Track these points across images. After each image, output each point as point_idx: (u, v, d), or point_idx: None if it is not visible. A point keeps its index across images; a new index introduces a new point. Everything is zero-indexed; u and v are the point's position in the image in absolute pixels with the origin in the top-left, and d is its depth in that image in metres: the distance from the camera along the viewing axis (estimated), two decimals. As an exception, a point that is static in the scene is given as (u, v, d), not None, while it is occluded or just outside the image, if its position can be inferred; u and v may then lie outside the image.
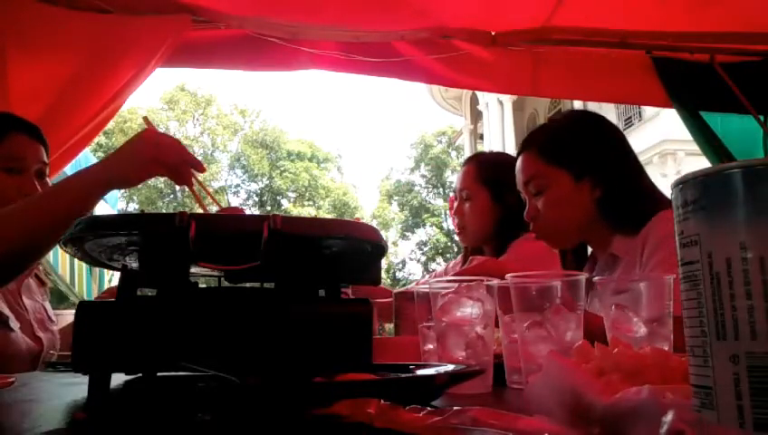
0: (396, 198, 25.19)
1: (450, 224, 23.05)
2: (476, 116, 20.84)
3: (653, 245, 1.12)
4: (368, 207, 25.77)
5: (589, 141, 1.25)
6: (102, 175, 1.04)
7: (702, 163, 1.63)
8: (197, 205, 1.14)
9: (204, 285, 0.76)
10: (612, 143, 1.26)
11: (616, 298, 0.76)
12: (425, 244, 24.28)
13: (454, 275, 1.11)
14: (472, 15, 2.31)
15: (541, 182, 1.24)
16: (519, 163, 1.30)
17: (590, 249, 1.36)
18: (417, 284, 1.41)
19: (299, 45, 2.27)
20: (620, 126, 12.94)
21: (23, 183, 1.26)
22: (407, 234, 24.63)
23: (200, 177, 1.09)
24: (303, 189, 23.90)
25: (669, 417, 0.30)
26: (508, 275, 0.76)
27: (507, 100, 18.25)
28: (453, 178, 25.18)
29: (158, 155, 1.03)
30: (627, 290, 0.76)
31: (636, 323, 0.73)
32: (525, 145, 1.30)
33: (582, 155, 1.23)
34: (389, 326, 1.37)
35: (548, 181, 1.24)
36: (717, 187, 0.31)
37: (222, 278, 0.74)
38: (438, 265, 22.92)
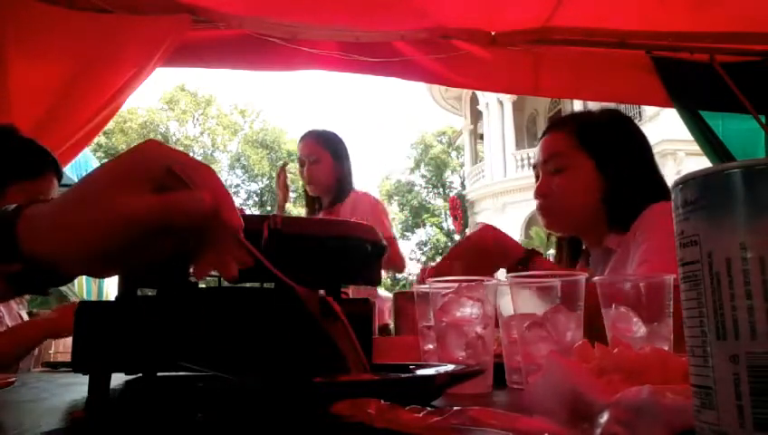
0: (396, 198, 25.20)
1: (450, 224, 23.03)
2: (476, 116, 20.84)
3: (641, 235, 1.13)
4: (368, 208, 25.74)
5: (618, 136, 1.26)
6: None
7: (702, 163, 1.62)
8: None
9: (204, 285, 0.76)
10: (637, 144, 1.28)
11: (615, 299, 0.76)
12: (425, 244, 24.29)
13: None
14: (472, 15, 2.32)
15: (564, 161, 1.24)
16: (544, 141, 1.30)
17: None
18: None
19: (299, 45, 2.27)
20: (620, 126, 12.95)
21: None
22: (407, 234, 24.63)
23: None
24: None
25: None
26: (508, 275, 0.76)
27: (507, 100, 18.23)
28: (453, 178, 25.23)
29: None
30: (624, 288, 0.76)
31: (636, 324, 0.73)
32: (556, 125, 1.30)
33: (610, 147, 1.24)
34: (389, 326, 1.37)
35: (571, 162, 1.24)
36: (717, 187, 0.31)
37: (222, 278, 0.74)
38: (438, 265, 22.86)
